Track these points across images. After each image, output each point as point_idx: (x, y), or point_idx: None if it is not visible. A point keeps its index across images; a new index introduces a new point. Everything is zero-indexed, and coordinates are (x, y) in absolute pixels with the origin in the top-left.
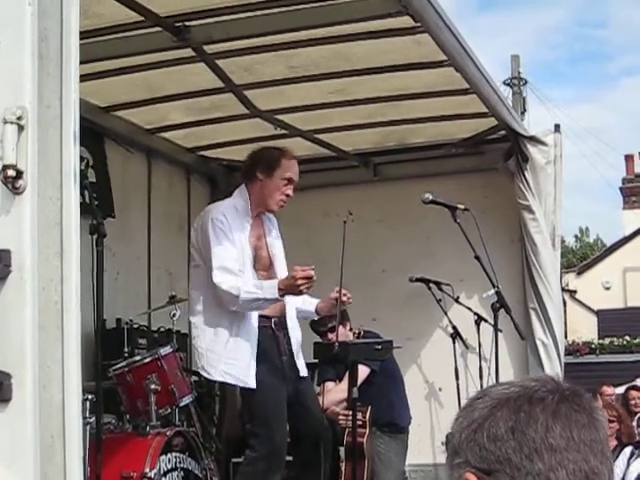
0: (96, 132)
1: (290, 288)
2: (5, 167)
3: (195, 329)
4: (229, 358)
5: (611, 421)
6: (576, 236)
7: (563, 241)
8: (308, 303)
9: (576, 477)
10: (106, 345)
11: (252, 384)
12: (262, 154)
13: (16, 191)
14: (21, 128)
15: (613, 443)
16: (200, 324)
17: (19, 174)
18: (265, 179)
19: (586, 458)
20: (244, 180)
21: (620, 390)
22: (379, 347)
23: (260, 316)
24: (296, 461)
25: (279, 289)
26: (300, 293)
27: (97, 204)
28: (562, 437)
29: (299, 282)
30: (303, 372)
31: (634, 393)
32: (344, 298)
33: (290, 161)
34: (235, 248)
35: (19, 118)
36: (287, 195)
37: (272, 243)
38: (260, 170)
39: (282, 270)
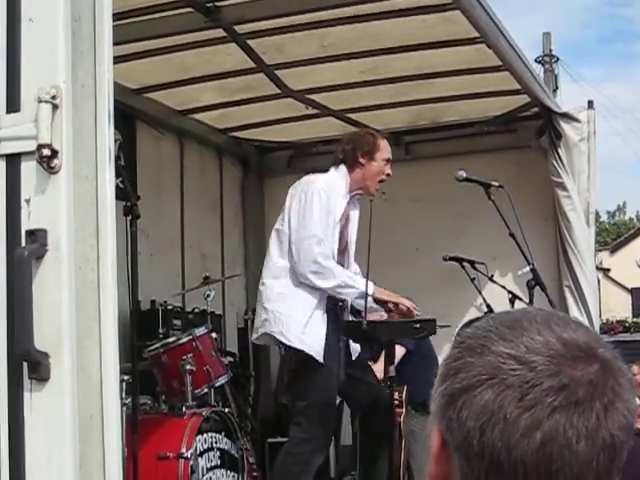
0: (127, 114)
1: (386, 301)
2: (40, 146)
3: (274, 293)
4: (309, 326)
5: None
6: (608, 212)
7: (598, 218)
8: None
9: None
10: (141, 326)
11: (321, 359)
12: (360, 140)
13: (51, 170)
14: (55, 107)
15: None
16: (282, 289)
17: (54, 153)
18: (367, 163)
19: None
20: (339, 164)
21: None
22: (417, 325)
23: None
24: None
25: (378, 289)
26: (388, 311)
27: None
28: (536, 457)
29: (401, 306)
30: (355, 354)
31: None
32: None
33: (385, 141)
34: (329, 226)
35: (53, 97)
36: (388, 174)
37: (352, 229)
38: (362, 155)
39: (352, 257)
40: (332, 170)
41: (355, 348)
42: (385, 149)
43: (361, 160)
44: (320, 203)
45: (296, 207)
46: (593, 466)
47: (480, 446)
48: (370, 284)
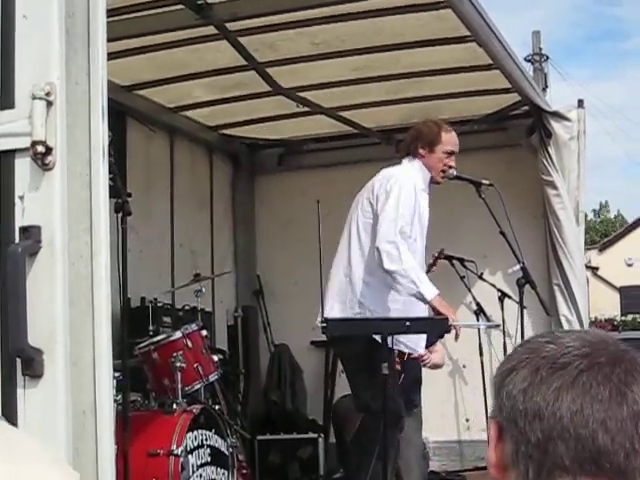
0: (118, 111)
1: (443, 313)
2: (34, 143)
3: (366, 287)
4: None
5: None
6: (594, 210)
7: (585, 217)
8: None
9: (577, 454)
10: (131, 323)
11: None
12: (422, 130)
13: (45, 167)
14: (50, 104)
15: None
16: (375, 285)
17: (48, 150)
18: (427, 154)
19: (593, 435)
20: (405, 155)
21: None
22: (408, 324)
23: None
24: None
25: (438, 297)
26: (447, 329)
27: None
28: (569, 409)
29: (453, 323)
30: None
31: None
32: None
33: (449, 134)
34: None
35: (48, 94)
36: (449, 166)
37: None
38: (422, 146)
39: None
40: (405, 162)
41: None
42: (448, 142)
43: (421, 151)
44: (405, 198)
45: (382, 198)
46: (619, 417)
47: (524, 405)
48: (433, 290)
